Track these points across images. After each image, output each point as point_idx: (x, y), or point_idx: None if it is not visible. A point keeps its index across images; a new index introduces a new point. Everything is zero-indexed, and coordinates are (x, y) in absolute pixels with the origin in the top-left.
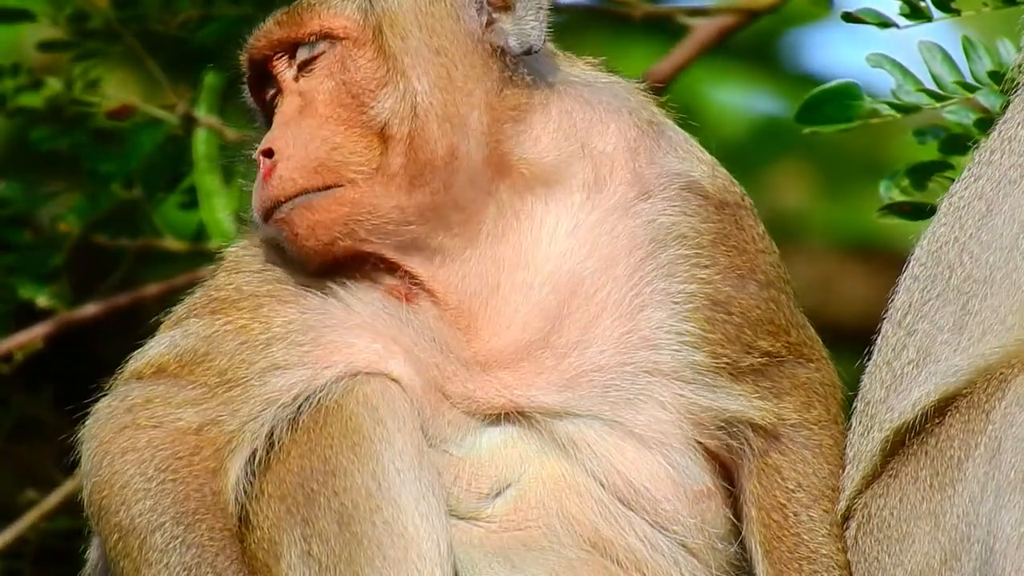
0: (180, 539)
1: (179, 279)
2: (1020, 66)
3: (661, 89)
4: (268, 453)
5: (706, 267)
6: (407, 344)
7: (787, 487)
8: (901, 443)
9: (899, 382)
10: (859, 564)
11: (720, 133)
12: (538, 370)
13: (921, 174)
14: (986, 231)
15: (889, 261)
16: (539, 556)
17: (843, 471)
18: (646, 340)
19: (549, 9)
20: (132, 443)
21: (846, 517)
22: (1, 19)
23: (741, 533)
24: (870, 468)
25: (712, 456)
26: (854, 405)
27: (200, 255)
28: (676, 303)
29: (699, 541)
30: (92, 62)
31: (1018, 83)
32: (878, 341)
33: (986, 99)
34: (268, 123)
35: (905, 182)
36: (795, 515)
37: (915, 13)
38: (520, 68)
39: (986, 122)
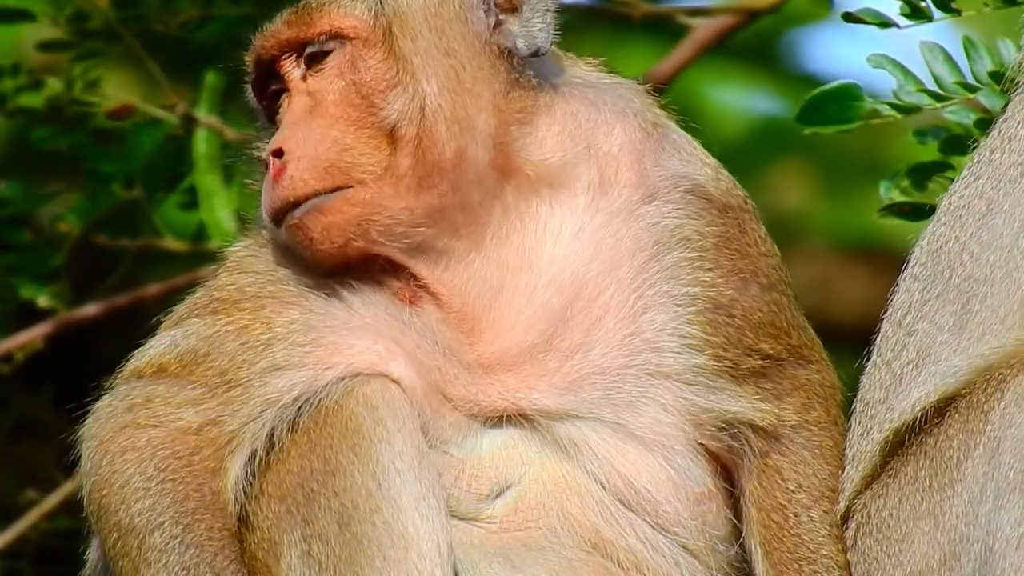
0: (179, 539)
1: (179, 279)
2: (1020, 65)
3: (661, 89)
4: (268, 453)
5: (709, 270)
6: (409, 346)
7: (787, 488)
8: (900, 444)
9: (898, 382)
10: (858, 564)
11: (720, 133)
12: (540, 373)
13: (921, 174)
14: (986, 230)
15: (889, 261)
16: (539, 556)
17: (843, 472)
18: (649, 342)
19: (555, 11)
20: (132, 442)
21: (846, 518)
22: (1, 19)
23: (741, 534)
24: (869, 469)
25: (713, 457)
26: (853, 406)
27: (200, 255)
28: (679, 306)
29: (700, 542)
30: (92, 62)
31: (1018, 82)
32: (878, 341)
33: (987, 99)
34: (270, 123)
35: (905, 182)
36: (795, 516)
37: (916, 13)
38: (526, 70)
39: (987, 122)
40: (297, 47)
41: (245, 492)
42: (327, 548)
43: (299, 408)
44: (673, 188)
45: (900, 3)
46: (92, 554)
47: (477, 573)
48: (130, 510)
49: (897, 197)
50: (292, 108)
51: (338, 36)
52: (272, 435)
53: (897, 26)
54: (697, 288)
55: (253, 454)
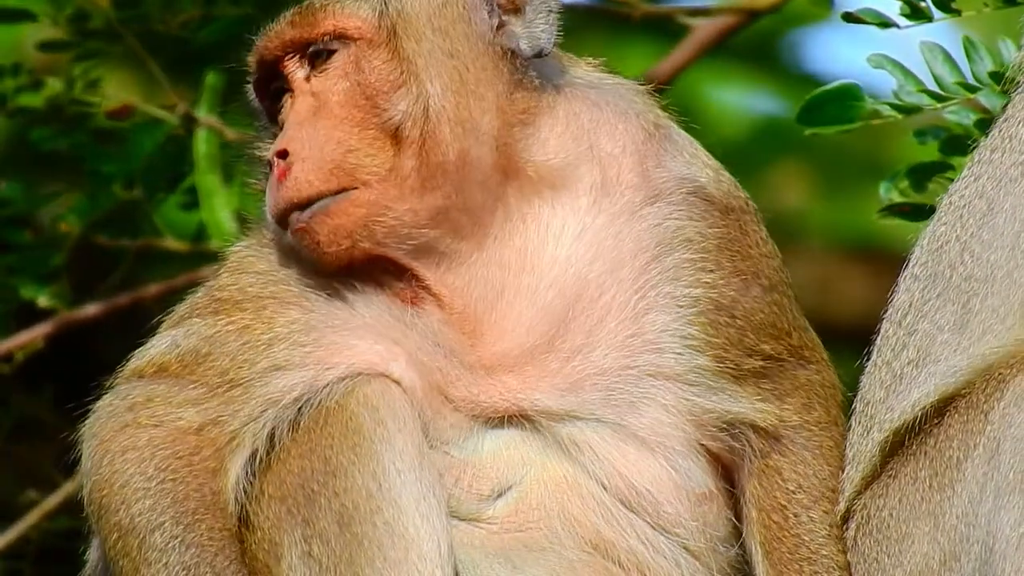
0: (179, 539)
1: (179, 279)
2: (1020, 65)
3: (662, 90)
4: (269, 453)
5: (711, 271)
6: (410, 347)
7: (787, 488)
8: (900, 444)
9: (899, 382)
10: (858, 565)
11: (720, 133)
12: (542, 374)
13: (921, 175)
14: (987, 230)
15: (889, 262)
16: (540, 557)
17: (843, 472)
18: (650, 343)
19: (558, 12)
20: (132, 442)
21: (845, 518)
22: (1, 19)
23: (742, 535)
24: (869, 469)
25: (713, 458)
26: (853, 406)
27: (201, 255)
28: (681, 307)
29: (700, 543)
30: (93, 62)
31: (1018, 82)
32: (878, 341)
33: (987, 99)
34: (272, 123)
35: (905, 183)
36: (795, 516)
37: (916, 13)
38: (529, 71)
39: (987, 123)
40: (301, 47)
41: (246, 492)
42: (328, 548)
43: (300, 408)
44: (675, 190)
45: (900, 3)
46: (92, 554)
47: (478, 573)
48: (130, 510)
49: (897, 198)
50: (296, 109)
51: (342, 37)
52: (273, 435)
53: (897, 26)
54: (699, 289)
55: (254, 454)
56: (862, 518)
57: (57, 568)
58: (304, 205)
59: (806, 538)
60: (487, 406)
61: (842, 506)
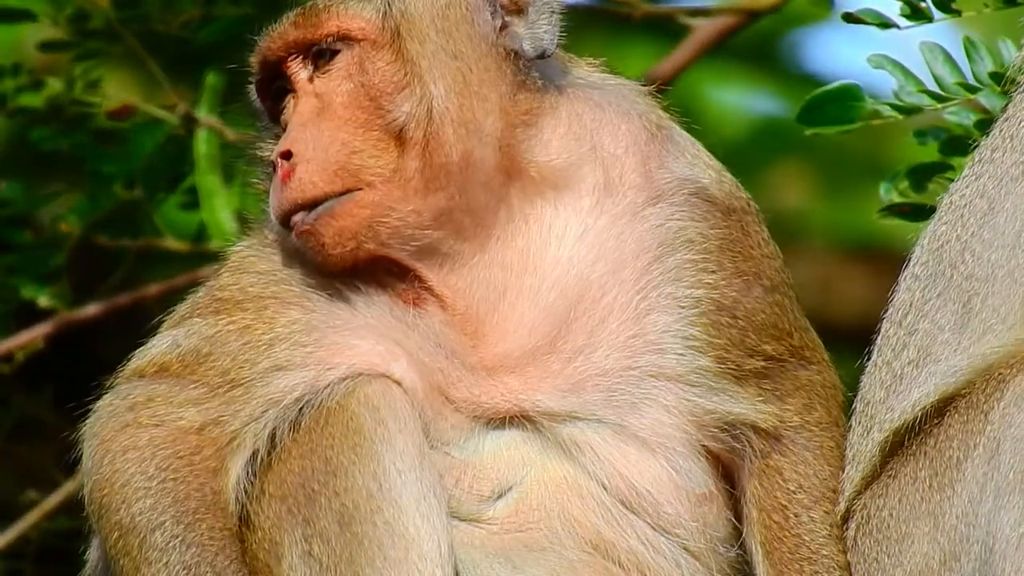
0: (180, 538)
1: (180, 279)
2: (1021, 66)
3: (663, 90)
4: (269, 453)
5: (713, 272)
6: (412, 348)
7: (788, 488)
8: (900, 444)
9: (899, 382)
10: (858, 565)
11: (720, 133)
12: (543, 375)
13: (921, 175)
14: (988, 229)
15: (889, 262)
16: (540, 557)
17: (843, 472)
18: (652, 344)
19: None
20: (133, 441)
21: (845, 518)
22: (2, 19)
23: (742, 535)
24: (869, 469)
25: (714, 458)
26: (854, 406)
27: (201, 255)
28: (683, 307)
29: (701, 544)
30: (93, 62)
31: (1019, 82)
32: (878, 341)
33: (987, 100)
34: (274, 123)
35: (905, 184)
36: (796, 516)
37: (916, 14)
38: (532, 72)
39: (987, 123)
40: (304, 48)
41: (246, 492)
42: (328, 548)
43: (301, 408)
44: (678, 190)
45: (900, 4)
46: (93, 553)
47: (478, 574)
48: (131, 509)
49: (897, 198)
50: (299, 110)
51: (346, 38)
52: (274, 435)
53: (897, 27)
54: (700, 290)
55: (255, 454)
56: (862, 518)
57: (57, 568)
58: (309, 206)
59: (807, 538)
60: (488, 407)
61: (842, 506)
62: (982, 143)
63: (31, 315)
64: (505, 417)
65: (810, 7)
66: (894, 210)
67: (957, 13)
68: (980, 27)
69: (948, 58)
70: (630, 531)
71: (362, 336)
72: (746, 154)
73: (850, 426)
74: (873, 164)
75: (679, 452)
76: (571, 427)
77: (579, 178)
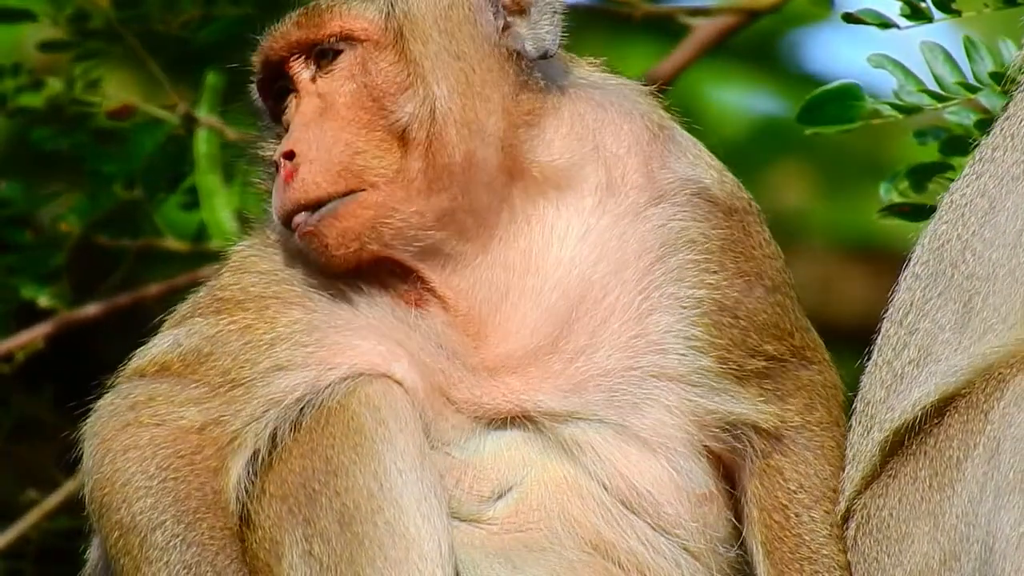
0: (181, 537)
1: (180, 279)
2: (1021, 65)
3: (664, 90)
4: (270, 453)
5: (715, 272)
6: (413, 348)
7: (789, 488)
8: (900, 443)
9: (899, 382)
10: (858, 564)
11: (720, 133)
12: (545, 375)
13: (921, 175)
14: (989, 228)
15: (889, 262)
16: (540, 557)
17: (843, 472)
18: (654, 344)
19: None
20: (134, 441)
21: (845, 518)
22: (2, 19)
23: (742, 535)
24: (869, 468)
25: (714, 458)
26: (854, 405)
27: (201, 255)
28: (684, 308)
29: (701, 544)
30: (93, 62)
31: (1019, 82)
32: (879, 340)
33: (987, 100)
34: (276, 123)
35: (905, 184)
36: (796, 516)
37: (916, 14)
38: (534, 72)
39: (987, 123)
40: (307, 48)
41: (247, 491)
42: (328, 548)
43: (302, 408)
44: (680, 191)
45: (900, 4)
46: (93, 552)
47: (478, 574)
48: (132, 508)
49: (897, 198)
50: (302, 110)
51: (349, 38)
52: (275, 435)
53: (897, 27)
54: (702, 290)
55: (255, 453)
56: (862, 518)
57: (57, 568)
58: (312, 207)
59: (807, 538)
60: (490, 408)
61: (842, 506)
62: (983, 142)
63: (31, 315)
64: (506, 417)
65: (810, 7)
66: (894, 210)
67: (957, 13)
68: (980, 27)
69: (948, 58)
70: (630, 531)
71: (364, 336)
72: (746, 154)
73: (850, 426)
74: (873, 164)
75: (680, 452)
76: (572, 427)
77: (581, 178)
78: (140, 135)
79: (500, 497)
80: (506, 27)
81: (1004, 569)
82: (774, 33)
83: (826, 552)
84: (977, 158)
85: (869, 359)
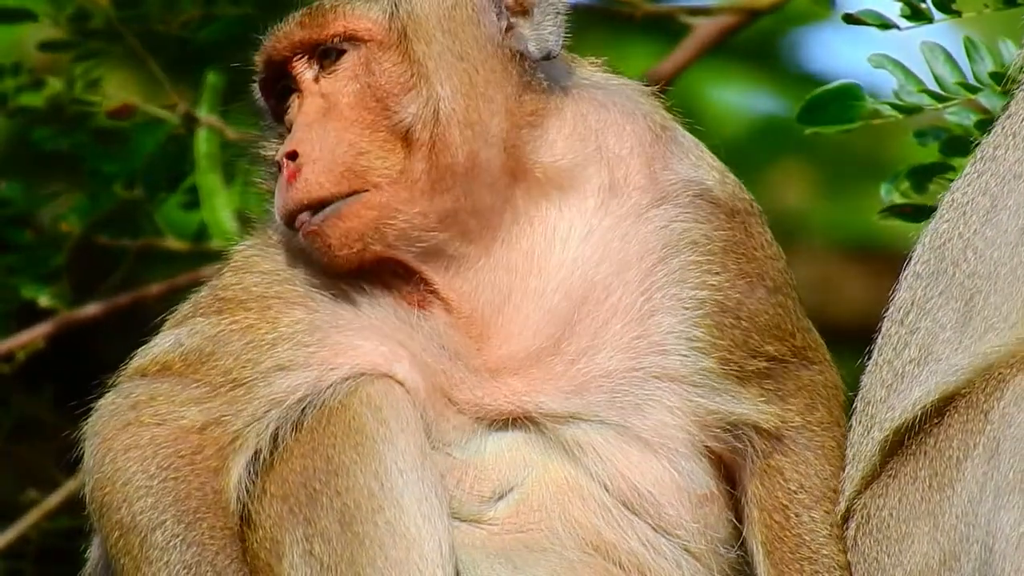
0: (181, 537)
1: (180, 279)
2: (1022, 64)
3: (663, 90)
4: (271, 453)
5: (716, 274)
6: (415, 349)
7: (789, 488)
8: (900, 443)
9: (900, 381)
10: (858, 564)
11: (720, 133)
12: (547, 376)
13: (922, 176)
14: (990, 227)
15: (889, 261)
16: (541, 558)
17: (843, 471)
18: (656, 345)
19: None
20: (135, 440)
21: (845, 518)
22: (2, 19)
23: (742, 536)
24: (869, 468)
25: (715, 458)
26: (854, 405)
27: (202, 255)
28: (687, 309)
29: (701, 545)
30: (93, 62)
31: (1020, 81)
32: (879, 340)
33: (988, 100)
34: (278, 122)
35: (905, 184)
36: (797, 516)
37: (916, 15)
38: (537, 72)
39: (987, 123)
40: (310, 48)
41: (248, 491)
42: (329, 547)
43: (303, 408)
44: (682, 192)
45: (901, 4)
46: (93, 552)
47: (479, 574)
48: (132, 508)
49: (898, 199)
50: (305, 110)
51: (352, 38)
52: (276, 435)
53: (898, 27)
54: (704, 291)
55: (256, 453)
56: (862, 517)
57: (57, 568)
58: (315, 207)
59: (807, 538)
60: (491, 409)
61: (842, 505)
62: (984, 141)
63: (31, 315)
64: (508, 418)
65: (810, 7)
66: (895, 211)
67: (957, 14)
68: (980, 27)
69: (948, 58)
70: (631, 532)
71: (365, 337)
72: (746, 154)
73: (851, 425)
74: (873, 164)
75: (681, 453)
76: (574, 428)
77: (584, 179)
78: (140, 135)
79: (501, 498)
80: (509, 28)
81: (1004, 569)
82: (774, 33)
83: (826, 552)
84: (978, 157)
85: (869, 359)
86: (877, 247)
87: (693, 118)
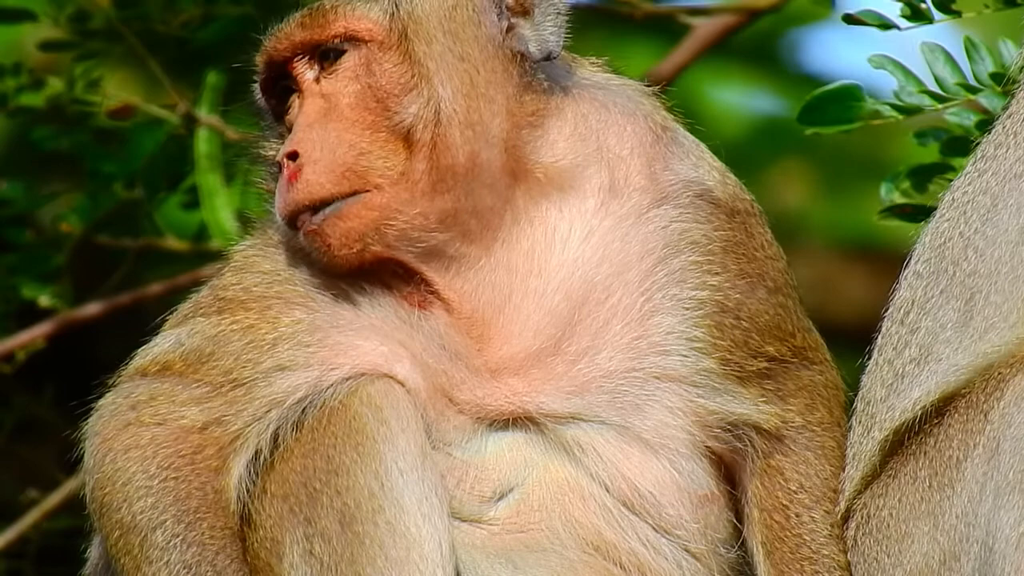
0: (181, 537)
1: (181, 279)
2: (1023, 64)
3: (664, 90)
4: (272, 453)
5: (717, 274)
6: (416, 349)
7: (789, 488)
8: (900, 443)
9: (900, 381)
10: (858, 564)
11: (720, 133)
12: (548, 376)
13: (922, 176)
14: (991, 225)
15: (889, 261)
16: (541, 558)
17: (843, 471)
18: (656, 345)
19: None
20: (135, 440)
21: (845, 517)
22: (2, 19)
23: (742, 536)
24: (869, 468)
25: (715, 458)
26: (855, 405)
27: (202, 255)
28: (687, 309)
29: (702, 545)
30: (93, 62)
31: (1020, 80)
32: (879, 339)
33: (988, 100)
34: (278, 122)
35: (906, 184)
36: (797, 516)
37: (916, 15)
38: (538, 73)
39: (987, 124)
40: (311, 49)
41: (248, 491)
42: (329, 547)
43: (303, 408)
44: (682, 192)
45: (901, 5)
46: (93, 552)
47: (479, 574)
48: (132, 508)
49: (898, 199)
50: (306, 110)
51: (353, 39)
52: (276, 435)
53: (898, 28)
54: (705, 292)
55: (257, 453)
56: (862, 517)
57: (57, 568)
58: (316, 207)
59: (807, 538)
60: (492, 409)
61: (842, 505)
62: (985, 140)
63: (32, 315)
64: (508, 419)
65: (810, 7)
66: (895, 211)
67: (957, 14)
68: (980, 28)
69: (949, 58)
70: (631, 532)
71: (366, 337)
72: (746, 154)
73: (851, 425)
74: (873, 164)
75: (682, 453)
76: (574, 428)
77: (584, 179)
78: (140, 135)
79: (501, 498)
80: (510, 28)
81: (1004, 569)
82: (774, 33)
83: (827, 552)
84: (979, 156)
85: (869, 359)
86: (877, 247)
87: (693, 118)
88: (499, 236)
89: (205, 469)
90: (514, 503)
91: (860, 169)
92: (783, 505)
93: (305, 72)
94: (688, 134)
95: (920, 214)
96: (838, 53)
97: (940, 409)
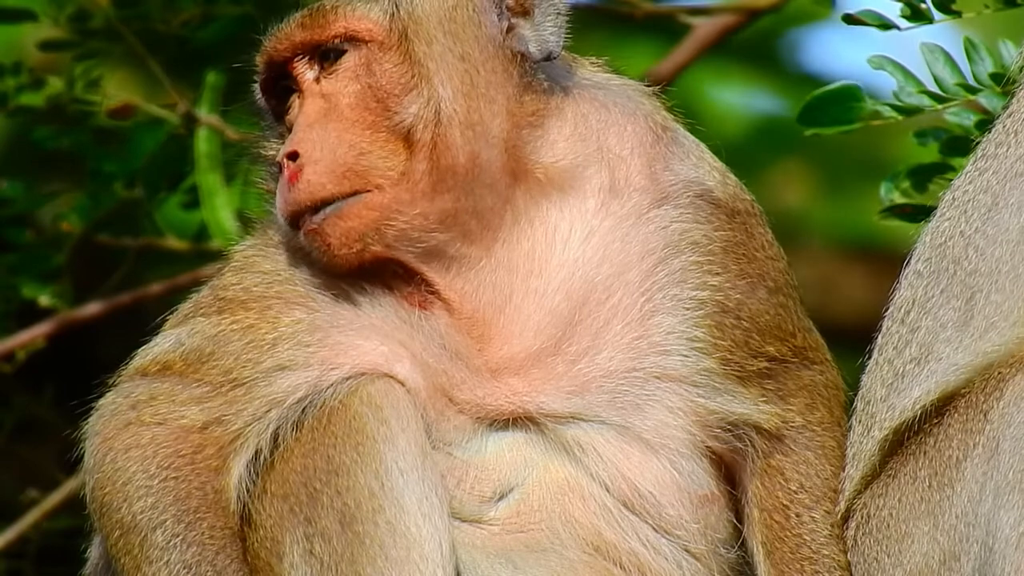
0: (181, 537)
1: (181, 278)
2: (1023, 66)
3: (664, 90)
4: (272, 452)
5: (717, 274)
6: (416, 349)
7: (790, 488)
8: (900, 443)
9: (900, 380)
10: (858, 564)
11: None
12: (548, 376)
13: (922, 176)
14: (992, 225)
15: (889, 261)
16: (541, 558)
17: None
18: (656, 346)
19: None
20: (135, 440)
21: (845, 517)
22: (2, 19)
23: (742, 536)
24: (869, 468)
25: (715, 458)
26: (855, 405)
27: (202, 254)
28: (687, 309)
29: (702, 545)
30: (93, 61)
31: (1020, 80)
32: (880, 339)
33: (988, 101)
34: (278, 122)
35: (906, 184)
36: (797, 516)
37: (916, 15)
38: (538, 73)
39: (987, 124)
40: (311, 49)
41: (248, 490)
42: (329, 547)
43: (304, 408)
44: (683, 193)
45: (901, 5)
46: (93, 552)
47: (479, 574)
48: (132, 507)
49: (898, 199)
50: (306, 110)
51: (353, 39)
52: (276, 434)
53: (898, 28)
54: (705, 292)
55: (257, 453)
56: (862, 517)
57: (58, 567)
58: (316, 207)
59: (808, 538)
60: (492, 409)
61: (842, 505)
62: (985, 139)
63: (32, 314)
64: (508, 419)
65: (810, 7)
66: (895, 211)
67: (957, 14)
68: (980, 28)
69: (948, 59)
70: (631, 532)
71: (366, 336)
72: (746, 154)
73: (851, 425)
74: (873, 164)
75: (682, 453)
76: (575, 428)
77: (584, 179)
78: (141, 134)
79: (502, 498)
80: (510, 28)
81: (1004, 569)
82: (774, 33)
83: (827, 552)
84: (980, 154)
85: (869, 358)
86: (877, 247)
87: (693, 118)
88: (499, 236)
89: (205, 469)
90: (514, 503)
91: (860, 169)
92: (783, 505)
93: (305, 72)
94: (688, 134)
95: (920, 214)
96: (838, 53)
97: (940, 409)
